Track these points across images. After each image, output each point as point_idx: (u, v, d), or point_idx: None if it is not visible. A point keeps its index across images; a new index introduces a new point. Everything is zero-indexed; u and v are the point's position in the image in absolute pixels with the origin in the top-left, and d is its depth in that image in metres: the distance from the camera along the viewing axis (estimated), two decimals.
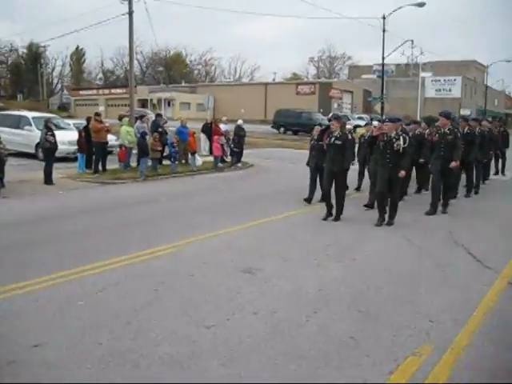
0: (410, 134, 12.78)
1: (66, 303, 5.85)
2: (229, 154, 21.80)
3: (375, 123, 13.99)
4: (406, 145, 10.23)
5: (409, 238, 9.31)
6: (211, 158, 21.30)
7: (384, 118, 11.72)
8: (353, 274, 7.17)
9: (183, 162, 20.50)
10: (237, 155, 21.52)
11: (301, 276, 6.99)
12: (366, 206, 12.13)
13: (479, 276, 7.24)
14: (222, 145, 21.02)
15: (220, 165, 20.77)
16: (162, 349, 4.75)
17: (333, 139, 10.70)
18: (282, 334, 5.13)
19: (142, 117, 20.99)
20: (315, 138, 12.56)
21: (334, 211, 10.88)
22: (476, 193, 14.98)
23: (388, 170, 10.31)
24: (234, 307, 5.79)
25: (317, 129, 12.81)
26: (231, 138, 21.84)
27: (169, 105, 69.73)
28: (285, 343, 4.91)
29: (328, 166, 10.85)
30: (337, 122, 10.99)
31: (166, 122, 22.77)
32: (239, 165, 21.48)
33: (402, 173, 10.30)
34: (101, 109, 59.88)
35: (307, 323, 5.39)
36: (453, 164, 11.43)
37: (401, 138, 10.25)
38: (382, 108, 38.79)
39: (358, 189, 14.73)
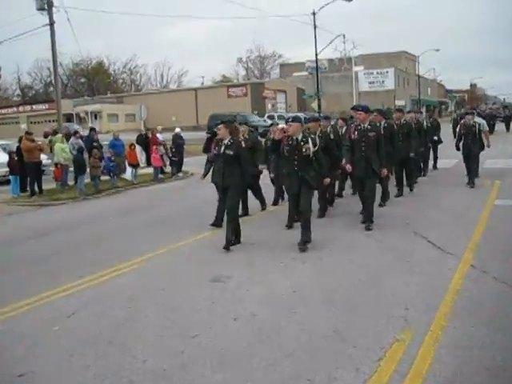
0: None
1: (42, 330, 5.93)
2: (168, 163, 22.10)
3: (281, 125, 10.82)
4: (316, 148, 8.95)
5: (367, 234, 9.79)
6: (149, 170, 21.54)
7: (287, 117, 9.84)
8: (322, 273, 7.56)
9: (121, 176, 20.53)
10: (177, 165, 21.75)
11: (271, 279, 7.31)
12: (286, 226, 10.70)
13: (443, 262, 7.77)
14: (161, 155, 21.20)
15: (160, 176, 21.00)
16: (152, 363, 4.96)
17: (222, 148, 9.34)
18: (267, 335, 5.43)
19: (75, 132, 20.93)
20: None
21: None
22: (410, 190, 14.52)
23: (297, 180, 9.00)
24: (213, 316, 6.05)
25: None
26: (168, 147, 22.22)
27: (95, 118, 68.74)
28: (271, 344, 5.22)
29: (218, 181, 9.57)
30: (224, 127, 9.44)
31: (96, 135, 22.68)
32: (180, 174, 21.72)
33: (326, 181, 9.57)
34: (23, 126, 58.64)
35: (289, 323, 5.70)
36: (384, 172, 10.48)
37: (309, 140, 8.95)
38: (319, 105, 39.68)
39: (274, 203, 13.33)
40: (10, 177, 18.19)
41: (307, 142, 8.91)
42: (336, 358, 4.82)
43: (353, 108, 11.53)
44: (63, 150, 18.38)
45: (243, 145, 9.96)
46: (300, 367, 4.71)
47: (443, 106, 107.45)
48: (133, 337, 5.58)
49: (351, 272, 7.50)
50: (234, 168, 9.27)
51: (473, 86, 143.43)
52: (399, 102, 70.73)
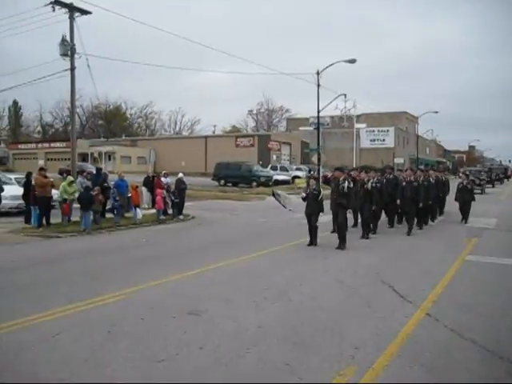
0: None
1: (25, 347, 6.30)
2: (170, 206, 22.43)
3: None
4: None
5: (340, 280, 10.17)
6: (153, 211, 22.05)
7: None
8: (288, 313, 7.92)
9: (125, 215, 20.95)
10: (178, 207, 22.22)
11: (241, 316, 7.68)
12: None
13: (401, 309, 8.14)
14: (163, 197, 21.66)
15: (162, 217, 21.37)
16: (119, 381, 5.33)
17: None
18: (226, 364, 5.79)
19: (82, 172, 21.49)
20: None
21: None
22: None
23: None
24: (181, 344, 6.42)
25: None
26: (172, 190, 22.57)
27: (109, 158, 69.73)
28: (228, 372, 5.59)
29: None
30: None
31: (107, 176, 23.17)
32: (181, 217, 22.13)
33: None
34: (40, 162, 59.58)
35: (247, 355, 6.07)
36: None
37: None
38: (319, 159, 40.36)
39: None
40: (31, 207, 18.59)
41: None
42: None
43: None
44: (65, 191, 18.72)
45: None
46: None
47: (441, 166, 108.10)
48: (106, 358, 5.95)
49: (315, 314, 7.85)
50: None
51: (471, 147, 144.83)
52: (398, 160, 71.39)
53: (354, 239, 15.19)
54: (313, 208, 14.38)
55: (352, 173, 18.08)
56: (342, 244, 14.02)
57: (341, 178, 14.48)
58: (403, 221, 18.98)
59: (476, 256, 13.03)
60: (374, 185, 16.82)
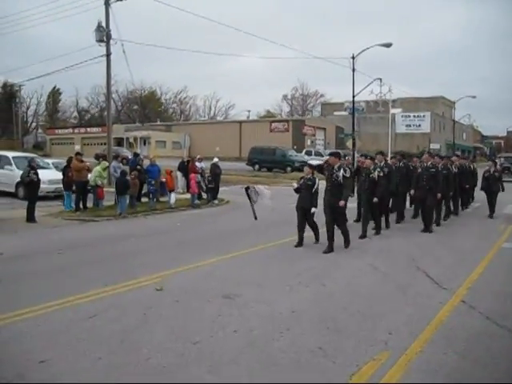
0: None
1: (63, 327, 6.51)
2: (205, 190, 22.52)
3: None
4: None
5: (375, 266, 10.14)
6: (188, 195, 22.14)
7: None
8: (322, 297, 7.95)
9: (160, 199, 21.19)
10: (212, 192, 22.32)
11: (275, 300, 7.74)
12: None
13: (436, 296, 8.08)
14: (198, 182, 21.75)
15: (197, 202, 21.52)
16: (154, 361, 5.45)
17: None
18: (259, 347, 5.86)
19: (117, 156, 21.80)
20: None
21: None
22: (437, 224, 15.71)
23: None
24: (216, 327, 6.51)
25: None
26: (207, 175, 22.66)
27: (145, 143, 70.41)
28: (261, 354, 5.65)
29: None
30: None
31: (142, 161, 23.43)
32: (215, 201, 22.26)
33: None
34: (77, 147, 60.54)
35: (281, 338, 6.13)
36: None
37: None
38: (354, 144, 40.05)
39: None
40: (64, 192, 19.01)
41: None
42: (314, 371, 5.23)
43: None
44: (100, 174, 19.02)
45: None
46: (281, 376, 5.14)
47: (478, 152, 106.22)
48: (142, 339, 6.08)
49: (348, 298, 7.88)
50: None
51: (509, 133, 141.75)
52: (434, 146, 70.54)
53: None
54: (306, 201, 12.26)
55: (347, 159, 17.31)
56: (329, 245, 11.76)
57: (336, 166, 11.89)
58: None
59: None
60: (381, 174, 14.22)
